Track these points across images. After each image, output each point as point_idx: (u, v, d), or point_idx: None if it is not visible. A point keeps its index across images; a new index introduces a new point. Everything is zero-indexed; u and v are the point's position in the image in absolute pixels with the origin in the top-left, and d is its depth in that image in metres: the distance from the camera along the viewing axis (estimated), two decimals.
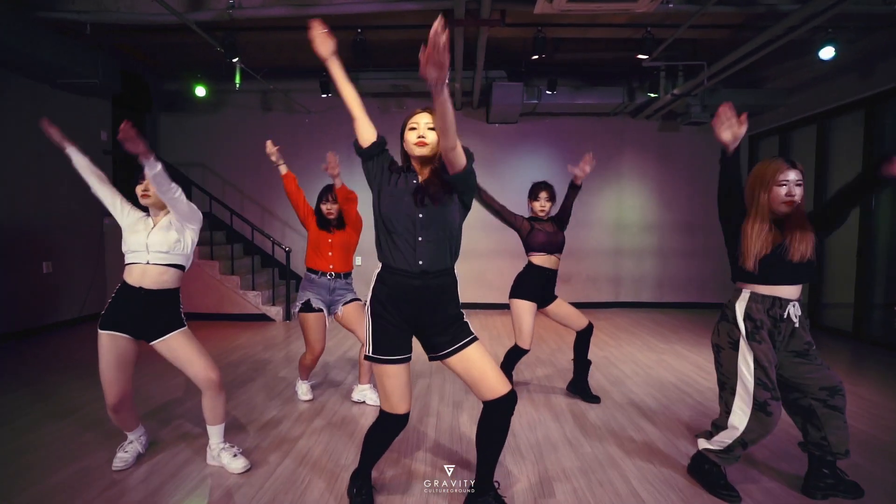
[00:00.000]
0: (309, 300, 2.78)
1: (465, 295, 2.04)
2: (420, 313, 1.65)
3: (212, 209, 6.29)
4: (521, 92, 5.68)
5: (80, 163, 2.11)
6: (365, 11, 3.82)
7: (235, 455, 2.14)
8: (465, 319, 1.72)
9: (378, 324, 1.65)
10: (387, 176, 1.67)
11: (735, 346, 1.87)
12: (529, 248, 2.89)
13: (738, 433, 1.84)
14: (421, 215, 1.60)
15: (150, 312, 1.99)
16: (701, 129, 6.49)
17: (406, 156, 1.70)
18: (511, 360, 2.95)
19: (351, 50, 4.40)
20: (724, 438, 1.90)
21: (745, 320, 1.84)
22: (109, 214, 5.88)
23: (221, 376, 2.08)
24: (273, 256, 6.40)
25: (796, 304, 1.84)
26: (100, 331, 1.99)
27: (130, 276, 1.99)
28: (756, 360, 1.81)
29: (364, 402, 2.96)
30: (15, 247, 4.53)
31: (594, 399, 3.00)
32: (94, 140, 5.50)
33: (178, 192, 1.96)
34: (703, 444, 1.99)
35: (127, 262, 2.01)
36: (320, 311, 2.80)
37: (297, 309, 2.81)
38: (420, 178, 1.66)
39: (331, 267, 2.82)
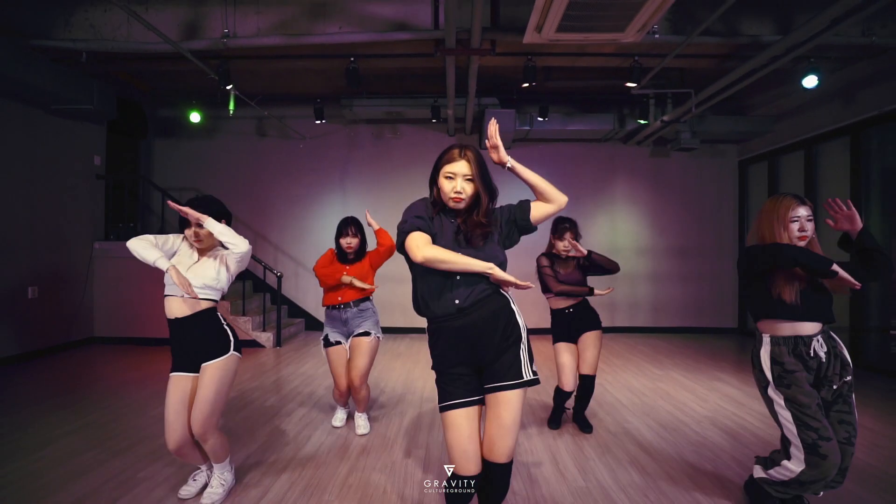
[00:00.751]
0: (328, 335, 2.86)
1: None
2: (474, 349, 1.51)
3: None
4: (513, 118, 5.76)
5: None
6: (357, 41, 3.89)
7: (212, 486, 2.10)
8: (522, 356, 1.52)
9: (441, 378, 1.56)
10: (427, 227, 1.53)
11: (766, 393, 1.88)
12: (547, 291, 2.90)
13: (794, 475, 1.81)
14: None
15: (194, 337, 2.02)
16: (691, 155, 6.57)
17: (438, 193, 1.58)
18: (557, 401, 2.98)
19: (344, 77, 4.47)
20: (779, 475, 1.86)
21: (771, 367, 1.84)
22: (101, 238, 5.80)
23: (206, 433, 2.01)
24: (265, 281, 6.34)
25: (819, 338, 1.82)
26: (171, 374, 2.04)
27: (169, 311, 2.02)
28: (787, 401, 1.79)
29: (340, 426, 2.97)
30: (1, 272, 4.46)
31: (587, 428, 2.93)
32: (88, 165, 5.50)
33: (243, 245, 2.03)
34: (758, 472, 1.95)
35: (166, 293, 2.02)
36: (339, 343, 2.84)
37: (322, 344, 2.90)
38: (458, 220, 1.57)
39: (339, 298, 2.81)
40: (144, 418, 3.10)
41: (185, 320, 2.00)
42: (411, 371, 4.45)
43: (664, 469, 2.43)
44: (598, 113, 6.04)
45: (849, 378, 1.82)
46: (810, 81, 4.24)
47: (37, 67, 4.16)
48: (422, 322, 1.71)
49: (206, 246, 2.10)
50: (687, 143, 5.89)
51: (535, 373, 1.52)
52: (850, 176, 4.79)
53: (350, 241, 2.81)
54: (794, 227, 1.82)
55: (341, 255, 2.87)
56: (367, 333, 2.80)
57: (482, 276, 1.51)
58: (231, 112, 4.84)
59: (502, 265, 1.54)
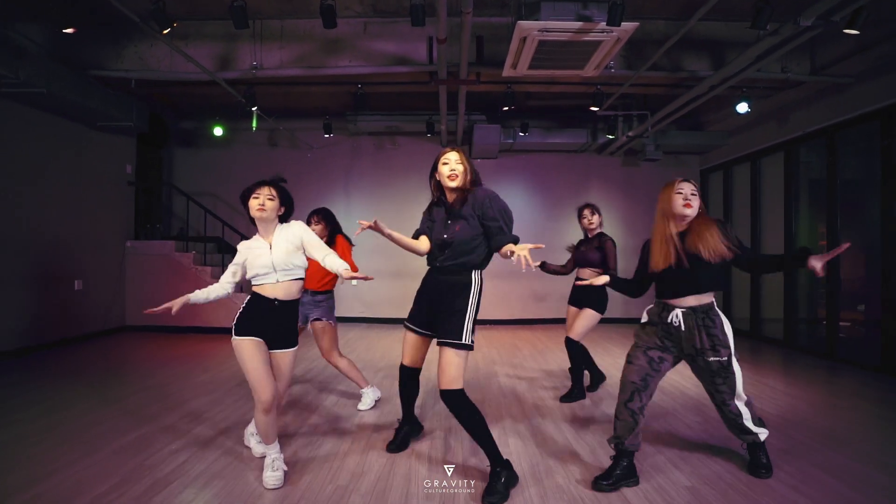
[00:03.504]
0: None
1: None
2: (432, 301, 2.22)
3: (224, 234, 6.95)
4: (498, 132, 6.54)
5: (207, 296, 2.19)
6: (364, 73, 4.65)
7: (276, 469, 2.14)
8: (466, 322, 2.09)
9: (414, 304, 2.34)
10: (429, 216, 2.32)
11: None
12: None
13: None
14: (445, 236, 2.18)
15: (281, 322, 2.16)
16: (658, 164, 7.36)
17: (439, 187, 2.27)
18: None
19: (352, 99, 5.23)
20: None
21: (646, 313, 2.35)
22: (132, 238, 6.46)
23: (275, 400, 2.12)
24: None
25: (679, 312, 2.16)
26: (238, 338, 2.09)
27: (263, 291, 2.15)
28: (635, 344, 2.30)
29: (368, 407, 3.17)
30: (52, 266, 5.16)
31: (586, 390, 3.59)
32: (120, 173, 6.21)
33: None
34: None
35: (257, 283, 2.16)
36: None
37: None
38: (448, 203, 2.24)
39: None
40: (189, 383, 3.83)
41: (283, 304, 2.15)
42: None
43: (599, 407, 3.20)
44: (574, 128, 6.84)
45: (723, 358, 2.15)
46: (742, 108, 5.05)
47: (92, 92, 4.88)
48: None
49: (267, 217, 2.17)
50: (651, 154, 6.69)
51: (472, 342, 2.10)
52: (784, 185, 5.61)
53: (314, 228, 3.05)
54: (679, 198, 2.13)
55: None
56: (319, 319, 3.11)
57: (462, 253, 2.15)
58: (254, 129, 5.57)
59: (481, 248, 2.17)
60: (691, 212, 2.14)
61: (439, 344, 2.13)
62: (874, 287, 4.60)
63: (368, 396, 3.25)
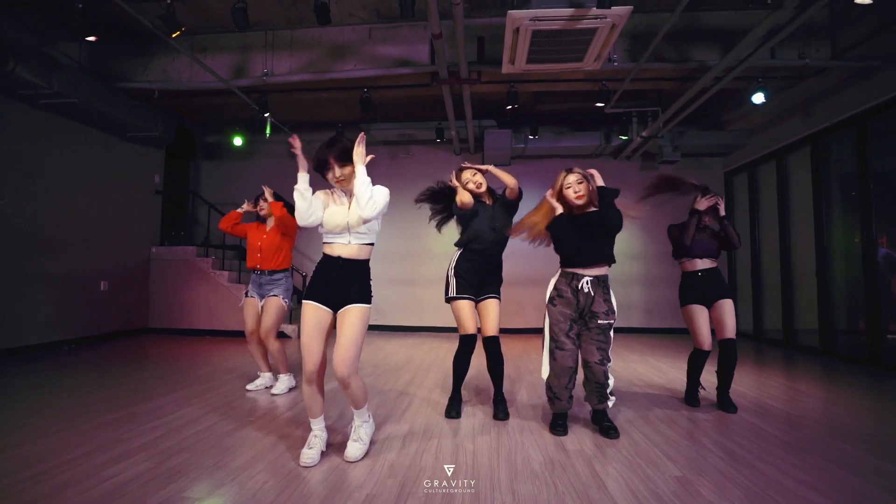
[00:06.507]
0: (247, 290, 3.47)
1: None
2: (479, 274, 2.78)
3: (241, 242, 7.18)
4: (509, 137, 6.52)
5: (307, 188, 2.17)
6: (368, 76, 4.79)
7: (356, 440, 2.20)
8: (500, 287, 2.84)
9: (458, 280, 2.78)
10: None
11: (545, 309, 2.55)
12: (678, 256, 3.12)
13: (546, 380, 2.51)
14: (494, 228, 2.80)
15: (344, 279, 2.13)
16: (679, 167, 7.09)
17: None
18: (693, 369, 3.04)
19: (359, 105, 5.37)
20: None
21: (552, 289, 2.53)
22: (157, 244, 6.72)
23: (350, 375, 2.08)
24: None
25: (590, 279, 2.44)
26: (304, 301, 2.15)
27: (331, 250, 2.16)
28: (550, 320, 2.49)
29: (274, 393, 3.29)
30: (80, 267, 5.45)
31: (732, 408, 2.92)
32: (149, 182, 6.57)
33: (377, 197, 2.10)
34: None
35: (327, 241, 2.17)
36: (253, 297, 3.40)
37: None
38: (489, 203, 2.89)
39: (258, 266, 3.37)
40: (201, 373, 3.91)
41: (347, 262, 2.13)
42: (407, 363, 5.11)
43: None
44: (586, 131, 6.73)
45: (611, 321, 2.44)
46: (758, 98, 4.82)
47: (120, 103, 5.24)
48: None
49: (348, 187, 2.17)
50: (669, 156, 6.48)
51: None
52: (812, 181, 5.26)
53: (262, 205, 3.47)
54: (570, 191, 2.47)
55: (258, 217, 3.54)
56: (276, 296, 3.31)
57: (498, 245, 2.84)
58: (267, 136, 5.80)
59: (503, 225, 2.85)
60: (584, 202, 2.46)
61: (484, 300, 2.79)
62: None
63: (283, 382, 3.38)
